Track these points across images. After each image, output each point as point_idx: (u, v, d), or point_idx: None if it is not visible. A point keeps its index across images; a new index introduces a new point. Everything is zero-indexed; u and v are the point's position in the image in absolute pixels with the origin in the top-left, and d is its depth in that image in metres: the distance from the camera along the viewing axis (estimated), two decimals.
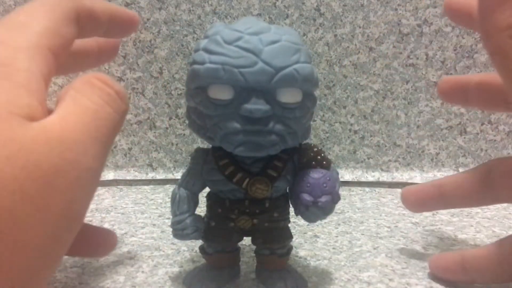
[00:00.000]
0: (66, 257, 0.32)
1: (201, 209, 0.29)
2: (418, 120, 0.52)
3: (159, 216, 0.42)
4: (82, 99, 0.18)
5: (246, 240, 0.30)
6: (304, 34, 0.50)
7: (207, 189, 0.28)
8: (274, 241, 0.28)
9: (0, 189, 0.15)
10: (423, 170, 0.53)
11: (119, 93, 0.20)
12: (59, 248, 0.17)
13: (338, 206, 0.27)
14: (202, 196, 0.29)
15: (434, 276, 0.31)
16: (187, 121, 0.28)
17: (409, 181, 0.51)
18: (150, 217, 0.42)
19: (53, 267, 0.17)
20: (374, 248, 0.36)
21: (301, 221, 0.40)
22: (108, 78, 0.20)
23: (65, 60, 0.21)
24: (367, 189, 0.51)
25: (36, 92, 0.18)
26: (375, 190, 0.51)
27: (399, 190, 0.50)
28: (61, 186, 0.16)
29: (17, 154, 0.16)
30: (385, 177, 0.53)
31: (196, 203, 0.28)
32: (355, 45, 0.50)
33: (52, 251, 0.17)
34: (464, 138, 0.53)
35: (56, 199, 0.16)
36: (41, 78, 0.18)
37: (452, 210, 0.44)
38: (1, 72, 0.17)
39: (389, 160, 0.53)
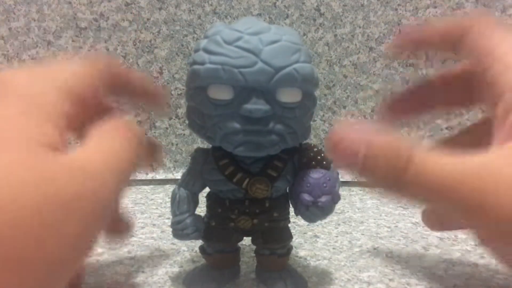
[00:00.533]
0: None
1: (201, 209, 0.29)
2: (418, 120, 0.52)
3: (159, 216, 0.42)
4: (108, 141, 0.20)
5: (246, 240, 0.30)
6: (304, 34, 0.50)
7: (207, 189, 0.28)
8: (274, 241, 0.28)
9: (21, 212, 0.15)
10: None
11: (140, 139, 0.22)
12: (67, 273, 0.18)
13: (338, 206, 0.27)
14: (202, 196, 0.29)
15: None
16: (187, 121, 0.28)
17: None
18: (150, 217, 0.42)
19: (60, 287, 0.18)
20: (374, 248, 0.36)
21: (301, 221, 0.40)
22: (133, 127, 0.22)
23: (94, 109, 0.23)
24: (367, 189, 0.51)
25: (61, 128, 0.19)
26: (375, 190, 0.51)
27: None
28: (78, 214, 0.17)
29: (40, 181, 0.16)
30: None
31: (196, 203, 0.28)
32: (355, 45, 0.50)
33: (60, 275, 0.17)
34: None
35: (72, 226, 0.17)
36: (65, 116, 0.20)
37: None
38: (32, 103, 0.19)
39: None
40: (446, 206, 0.19)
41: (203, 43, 0.25)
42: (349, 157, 0.19)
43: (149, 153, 0.28)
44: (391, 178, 0.19)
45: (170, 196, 0.29)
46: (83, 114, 0.22)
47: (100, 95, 0.23)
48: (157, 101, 0.28)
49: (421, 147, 0.19)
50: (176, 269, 0.32)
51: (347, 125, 0.20)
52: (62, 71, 0.21)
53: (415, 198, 0.20)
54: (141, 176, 0.53)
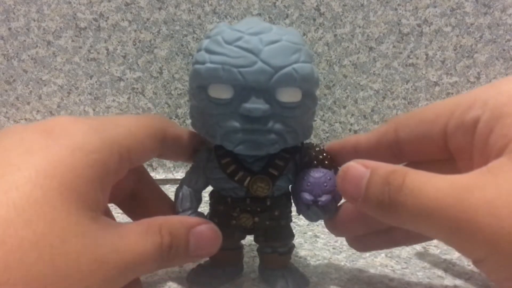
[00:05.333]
0: None
1: (204, 208, 0.29)
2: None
3: None
4: (148, 239, 0.21)
5: (247, 240, 0.30)
6: (304, 34, 0.50)
7: (210, 187, 0.29)
8: (276, 239, 0.28)
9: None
10: None
11: (170, 253, 0.22)
12: None
13: (338, 206, 0.27)
14: (207, 195, 0.29)
15: None
16: (190, 120, 0.28)
17: None
18: None
19: None
20: None
21: (301, 221, 0.40)
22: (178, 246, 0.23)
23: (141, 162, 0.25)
24: None
25: (104, 189, 0.21)
26: None
27: None
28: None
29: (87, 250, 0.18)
30: None
31: (199, 200, 0.28)
32: (355, 45, 0.50)
33: None
34: None
35: None
36: (115, 172, 0.21)
37: None
38: (85, 159, 0.20)
39: None
40: (436, 227, 0.19)
41: (205, 43, 0.25)
42: (354, 185, 0.21)
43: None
44: (386, 196, 0.20)
45: (170, 196, 0.29)
46: (128, 169, 0.23)
47: (148, 153, 0.24)
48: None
49: (416, 170, 0.20)
50: (176, 269, 0.32)
51: (355, 160, 0.22)
52: (119, 126, 0.22)
53: (407, 218, 0.20)
54: None
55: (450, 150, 0.24)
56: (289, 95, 0.25)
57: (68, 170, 0.19)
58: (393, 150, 0.26)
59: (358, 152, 0.27)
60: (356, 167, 0.21)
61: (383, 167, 0.21)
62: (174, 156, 0.29)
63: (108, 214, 0.26)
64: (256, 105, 0.24)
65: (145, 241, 0.21)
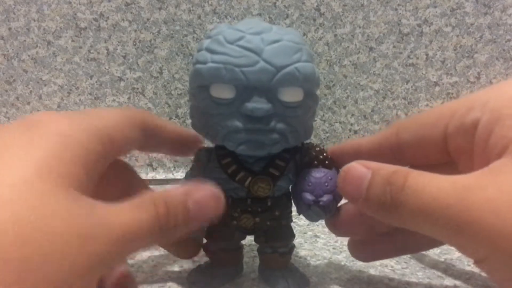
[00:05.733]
0: None
1: None
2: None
3: None
4: (142, 211, 0.20)
5: (247, 240, 0.30)
6: (304, 34, 0.50)
7: None
8: (276, 239, 0.28)
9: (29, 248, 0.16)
10: None
11: (169, 222, 0.21)
12: None
13: (339, 206, 0.27)
14: None
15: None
16: (190, 120, 0.28)
17: None
18: None
19: None
20: None
21: (301, 221, 0.40)
22: (180, 215, 0.21)
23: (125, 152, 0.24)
24: None
25: (88, 168, 0.20)
26: None
27: None
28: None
29: (53, 215, 0.17)
30: None
31: None
32: (355, 45, 0.50)
33: None
34: None
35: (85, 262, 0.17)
36: (97, 156, 0.21)
37: None
38: (63, 142, 0.19)
39: None
40: (444, 230, 0.19)
41: (206, 42, 0.25)
42: (355, 185, 0.21)
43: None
44: (388, 196, 0.20)
45: None
46: (113, 155, 0.23)
47: (129, 142, 0.24)
48: (191, 150, 0.29)
49: (418, 171, 0.20)
50: (176, 269, 0.32)
51: (357, 161, 0.22)
52: (99, 117, 0.22)
53: (408, 217, 0.20)
54: (141, 176, 0.52)
55: (450, 152, 0.24)
56: (291, 95, 0.25)
57: (46, 153, 0.18)
58: (395, 153, 0.26)
59: (360, 156, 0.27)
60: (357, 168, 0.21)
61: (385, 168, 0.21)
62: (156, 147, 0.28)
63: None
64: (258, 104, 0.24)
65: (138, 214, 0.20)
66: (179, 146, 0.28)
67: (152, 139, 0.26)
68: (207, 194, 0.22)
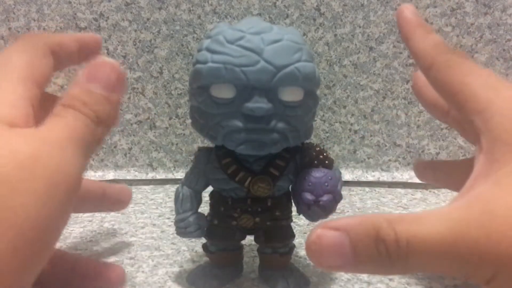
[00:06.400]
0: None
1: (204, 209, 0.29)
2: (418, 120, 0.52)
3: (159, 216, 0.42)
4: (65, 116, 0.20)
5: (247, 240, 0.30)
6: (304, 34, 0.50)
7: (210, 188, 0.29)
8: (276, 239, 0.28)
9: None
10: None
11: (98, 111, 0.21)
12: (40, 236, 0.18)
13: (338, 206, 0.27)
14: (207, 195, 0.29)
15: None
16: (190, 120, 0.28)
17: (409, 181, 0.51)
18: (150, 217, 0.42)
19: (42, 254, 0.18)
20: None
21: (301, 221, 0.40)
22: (89, 100, 0.21)
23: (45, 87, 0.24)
24: (367, 189, 0.51)
25: (20, 107, 0.20)
26: (375, 190, 0.51)
27: (399, 190, 0.50)
28: (37, 174, 0.18)
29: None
30: (385, 177, 0.53)
31: (199, 201, 0.28)
32: (355, 45, 0.50)
33: (33, 237, 0.17)
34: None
35: (32, 184, 0.17)
36: (26, 98, 0.21)
37: None
38: None
39: (389, 160, 0.53)
40: (449, 267, 0.19)
41: (206, 42, 0.25)
42: (335, 254, 0.19)
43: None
44: (384, 255, 0.18)
45: (170, 196, 0.29)
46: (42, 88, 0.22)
47: (50, 72, 0.24)
48: (95, 45, 0.27)
49: (396, 217, 0.19)
50: (176, 269, 0.32)
51: (321, 227, 0.19)
52: (7, 65, 0.22)
53: (411, 268, 0.19)
54: (141, 176, 0.52)
55: None
56: (292, 94, 0.25)
57: None
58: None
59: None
60: (328, 235, 0.19)
61: (358, 225, 0.19)
62: (68, 62, 0.27)
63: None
64: (259, 104, 0.24)
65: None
66: (83, 50, 0.27)
67: (61, 56, 0.25)
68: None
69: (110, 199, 0.33)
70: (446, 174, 0.32)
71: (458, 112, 0.23)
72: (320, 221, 0.28)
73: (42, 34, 0.27)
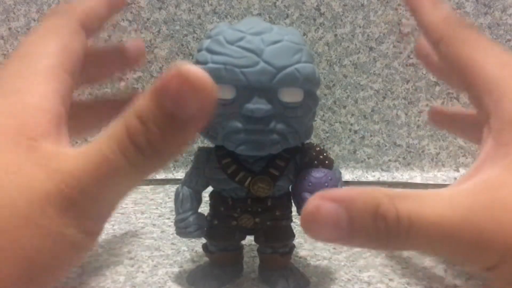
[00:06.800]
0: None
1: (204, 209, 0.29)
2: (418, 120, 0.52)
3: (159, 216, 0.42)
4: (103, 147, 0.16)
5: (247, 240, 0.30)
6: (304, 34, 0.50)
7: (210, 188, 0.29)
8: (276, 239, 0.28)
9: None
10: (423, 170, 0.53)
11: (143, 150, 0.16)
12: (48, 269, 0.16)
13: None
14: (207, 195, 0.29)
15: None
16: None
17: (409, 181, 0.51)
18: (150, 217, 0.42)
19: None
20: None
21: None
22: (134, 134, 0.16)
23: (82, 70, 0.21)
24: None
25: (49, 110, 0.18)
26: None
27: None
28: (49, 213, 0.16)
29: (15, 176, 0.16)
30: (385, 177, 0.52)
31: (199, 201, 0.29)
32: (355, 45, 0.50)
33: (40, 271, 0.16)
34: None
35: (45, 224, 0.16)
36: (58, 97, 0.19)
37: None
38: (16, 97, 0.18)
39: (389, 160, 0.53)
40: (450, 250, 0.18)
41: (206, 43, 0.25)
42: (331, 226, 0.17)
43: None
44: (383, 231, 0.18)
45: (170, 196, 0.29)
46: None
47: (83, 51, 0.22)
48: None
49: (398, 194, 0.18)
50: (176, 269, 0.32)
51: (319, 198, 0.18)
52: (38, 55, 0.20)
53: (411, 247, 0.19)
54: None
55: None
56: (292, 95, 0.25)
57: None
58: None
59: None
60: (326, 206, 0.18)
61: (357, 197, 0.18)
62: (99, 29, 0.25)
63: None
64: (258, 105, 0.24)
65: (103, 144, 0.16)
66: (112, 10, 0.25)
67: (93, 24, 0.23)
68: (178, 79, 0.16)
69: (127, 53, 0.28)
70: (463, 123, 0.30)
71: (466, 89, 0.22)
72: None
73: (70, 6, 0.22)
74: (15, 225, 0.15)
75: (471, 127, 0.28)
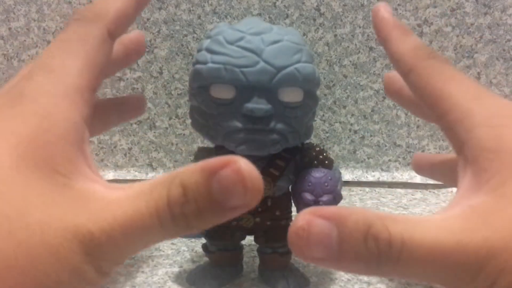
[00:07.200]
0: None
1: None
2: (418, 120, 0.52)
3: None
4: (141, 204, 0.16)
5: (247, 240, 0.30)
6: (304, 34, 0.50)
7: None
8: (276, 239, 0.28)
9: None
10: None
11: (178, 221, 0.17)
12: None
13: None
14: None
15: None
16: (190, 120, 0.28)
17: (409, 181, 0.51)
18: None
19: None
20: None
21: None
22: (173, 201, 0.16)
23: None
24: (367, 189, 0.51)
25: (79, 141, 0.18)
26: (375, 190, 0.51)
27: (399, 190, 0.50)
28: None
29: (47, 207, 0.16)
30: (385, 177, 0.53)
31: None
32: (355, 45, 0.50)
33: None
34: None
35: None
36: (85, 121, 0.18)
37: None
38: (44, 123, 0.17)
39: (389, 160, 0.53)
40: (442, 275, 0.18)
41: (206, 43, 0.25)
42: (321, 246, 0.16)
43: None
44: (374, 254, 0.17)
45: None
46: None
47: (109, 60, 0.21)
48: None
49: (389, 216, 0.18)
50: (176, 269, 0.32)
51: (310, 213, 0.17)
52: (63, 72, 0.19)
53: (402, 272, 0.18)
54: (141, 176, 0.52)
55: None
56: (291, 95, 0.25)
57: (26, 138, 0.17)
58: None
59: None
60: (318, 223, 0.17)
61: (348, 217, 0.17)
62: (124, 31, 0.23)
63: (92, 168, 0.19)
64: (258, 105, 0.24)
65: (141, 201, 0.16)
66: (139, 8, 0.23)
67: (120, 29, 0.22)
68: (238, 172, 0.16)
69: (127, 105, 0.28)
70: (442, 169, 0.30)
71: (438, 120, 0.22)
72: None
73: (100, 10, 0.21)
74: (41, 252, 0.15)
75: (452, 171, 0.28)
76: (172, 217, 0.16)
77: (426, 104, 0.22)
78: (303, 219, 0.17)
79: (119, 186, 0.17)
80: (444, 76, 0.22)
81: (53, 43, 0.20)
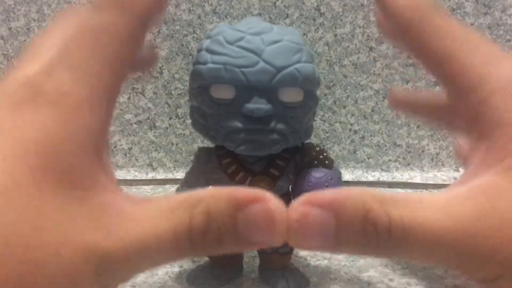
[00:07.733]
0: None
1: None
2: (418, 120, 0.52)
3: None
4: (160, 227, 0.16)
5: None
6: (304, 34, 0.50)
7: None
8: None
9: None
10: (423, 170, 0.53)
11: (196, 247, 0.16)
12: None
13: None
14: None
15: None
16: (190, 120, 0.28)
17: (409, 181, 0.51)
18: None
19: None
20: None
21: None
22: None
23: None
24: (367, 189, 0.51)
25: (96, 151, 0.17)
26: (375, 190, 0.51)
27: (399, 190, 0.50)
28: None
29: (61, 224, 0.15)
30: (385, 177, 0.53)
31: None
32: (355, 45, 0.50)
33: None
34: None
35: None
36: (103, 129, 0.17)
37: None
38: (63, 132, 0.16)
39: (389, 160, 0.53)
40: (446, 261, 0.17)
41: (206, 43, 0.25)
42: (318, 235, 0.16)
43: None
44: (374, 240, 0.16)
45: None
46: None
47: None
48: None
49: (389, 198, 0.17)
50: (176, 269, 0.32)
51: (304, 203, 0.16)
52: (88, 68, 0.17)
53: (403, 256, 0.17)
54: (141, 176, 0.52)
55: None
56: (292, 95, 0.25)
57: (43, 144, 0.15)
58: None
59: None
60: (314, 213, 0.16)
61: (346, 202, 0.16)
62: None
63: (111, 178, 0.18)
64: (258, 105, 0.24)
65: (161, 221, 0.15)
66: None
67: (155, 18, 0.19)
68: (262, 211, 0.16)
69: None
70: (423, 108, 0.25)
71: (446, 89, 0.19)
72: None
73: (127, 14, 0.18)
74: (56, 274, 0.15)
75: (437, 112, 0.25)
76: (191, 244, 0.16)
77: (429, 68, 0.20)
78: (298, 211, 0.16)
79: (137, 199, 0.17)
80: (452, 34, 0.19)
81: (71, 33, 0.17)
